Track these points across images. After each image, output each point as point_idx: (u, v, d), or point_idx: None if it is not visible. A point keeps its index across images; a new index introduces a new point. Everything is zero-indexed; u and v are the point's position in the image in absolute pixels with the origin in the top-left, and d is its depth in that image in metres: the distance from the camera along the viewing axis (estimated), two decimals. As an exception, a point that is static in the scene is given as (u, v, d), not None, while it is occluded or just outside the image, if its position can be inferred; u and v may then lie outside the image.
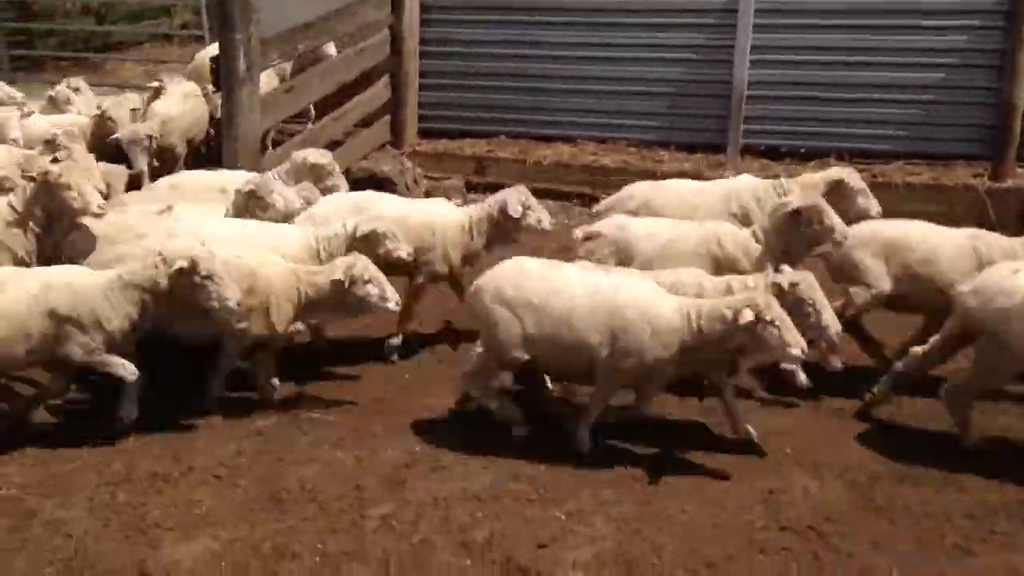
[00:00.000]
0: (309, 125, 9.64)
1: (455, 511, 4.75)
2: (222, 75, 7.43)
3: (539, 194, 7.23)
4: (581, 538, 4.52)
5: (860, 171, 8.85)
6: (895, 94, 9.03)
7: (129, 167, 7.68)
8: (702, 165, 9.25)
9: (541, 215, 6.31)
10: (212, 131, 8.75)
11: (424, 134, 10.33)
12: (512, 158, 9.77)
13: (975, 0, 8.71)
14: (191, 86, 8.75)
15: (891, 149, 9.07)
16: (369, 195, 6.75)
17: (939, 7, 8.82)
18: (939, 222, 5.89)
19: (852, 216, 6.00)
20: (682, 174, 8.19)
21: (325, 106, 9.37)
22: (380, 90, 9.98)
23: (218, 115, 7.98)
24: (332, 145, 9.34)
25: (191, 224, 5.88)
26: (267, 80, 8.38)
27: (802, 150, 9.32)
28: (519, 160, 9.72)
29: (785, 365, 5.30)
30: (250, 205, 6.26)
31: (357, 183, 9.43)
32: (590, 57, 9.82)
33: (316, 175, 6.86)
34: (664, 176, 7.92)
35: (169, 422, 5.46)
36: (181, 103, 8.45)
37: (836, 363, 5.51)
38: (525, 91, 10.09)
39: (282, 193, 6.33)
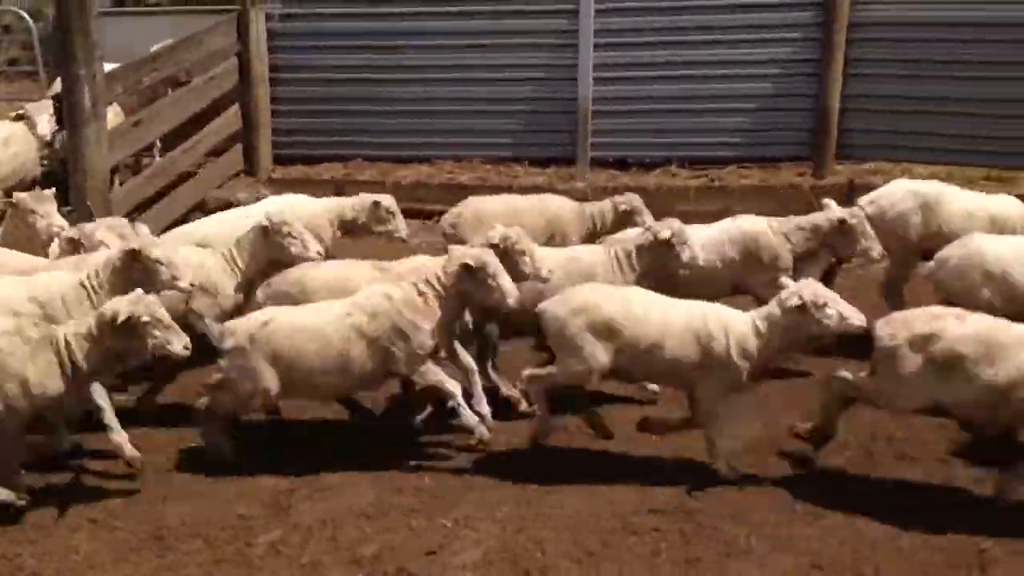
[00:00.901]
0: (156, 158, 9.48)
1: (343, 529, 4.84)
2: (66, 111, 7.27)
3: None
4: (468, 541, 4.70)
5: (697, 176, 9.56)
6: (725, 104, 9.68)
7: None
8: (555, 178, 9.63)
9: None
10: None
11: (279, 161, 10.31)
12: (371, 180, 9.85)
13: (793, 16, 9.46)
14: (12, 128, 8.50)
15: (725, 155, 9.71)
16: None
17: (761, 22, 9.52)
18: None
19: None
20: (536, 188, 8.53)
21: (175, 137, 9.24)
22: (231, 118, 9.91)
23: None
24: (184, 176, 9.26)
25: None
26: (112, 115, 8.22)
27: (646, 160, 9.85)
28: (378, 182, 9.81)
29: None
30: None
31: (212, 213, 9.40)
32: (442, 79, 10.07)
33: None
34: (522, 190, 8.23)
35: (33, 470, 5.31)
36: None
37: None
38: (379, 114, 10.23)
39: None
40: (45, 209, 6.37)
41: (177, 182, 9.05)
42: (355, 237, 7.11)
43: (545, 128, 10.00)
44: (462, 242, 5.93)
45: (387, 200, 6.92)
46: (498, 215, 6.56)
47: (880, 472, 5.20)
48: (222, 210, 9.05)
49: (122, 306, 4.73)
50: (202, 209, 9.36)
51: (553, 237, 6.82)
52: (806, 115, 9.50)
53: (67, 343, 4.73)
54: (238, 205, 9.12)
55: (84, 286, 5.28)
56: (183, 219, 8.89)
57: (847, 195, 9.05)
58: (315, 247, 5.89)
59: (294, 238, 5.82)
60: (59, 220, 6.35)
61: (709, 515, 4.83)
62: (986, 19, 8.81)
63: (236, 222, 6.49)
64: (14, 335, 4.67)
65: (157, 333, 4.75)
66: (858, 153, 9.46)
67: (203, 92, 9.36)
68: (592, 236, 6.82)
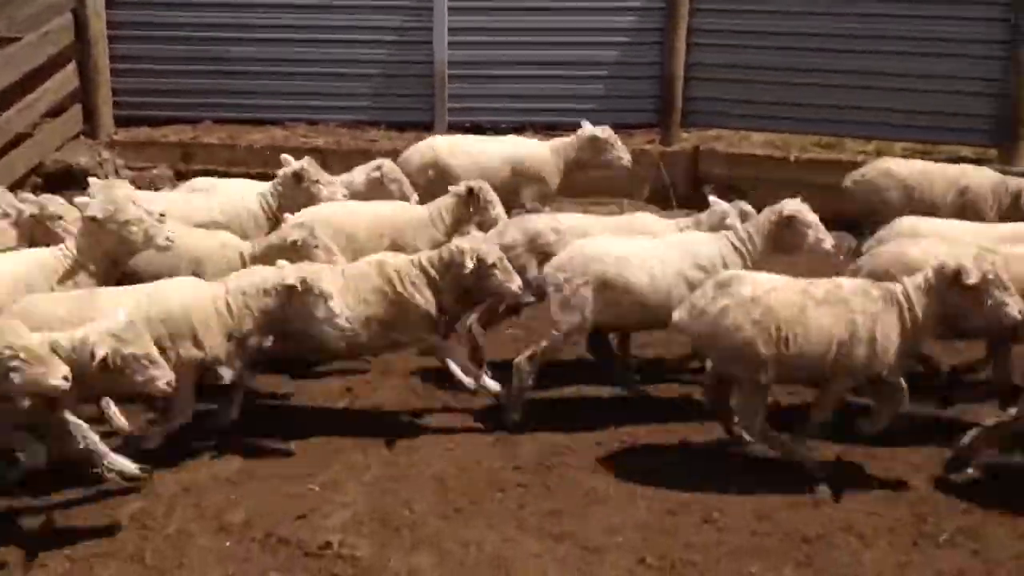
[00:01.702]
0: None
1: (209, 497, 4.81)
2: None
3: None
4: (336, 504, 4.77)
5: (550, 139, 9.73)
6: (577, 70, 9.89)
7: None
8: (415, 141, 9.61)
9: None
10: None
11: (122, 122, 9.86)
12: (221, 143, 9.59)
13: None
14: None
15: (576, 121, 9.93)
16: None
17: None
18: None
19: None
20: (395, 152, 8.51)
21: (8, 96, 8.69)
22: (68, 76, 9.39)
23: None
24: (21, 138, 8.75)
25: None
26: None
27: (502, 125, 9.99)
28: (228, 145, 9.57)
29: None
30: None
31: (52, 177, 8.94)
32: (295, 39, 9.82)
33: None
34: (380, 154, 8.18)
35: None
36: None
37: None
38: (228, 74, 9.90)
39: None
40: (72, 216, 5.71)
41: (14, 144, 8.55)
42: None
43: (402, 92, 9.96)
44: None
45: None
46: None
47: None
48: (63, 174, 8.78)
49: None
50: (39, 173, 8.91)
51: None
52: (652, 83, 9.84)
53: None
54: (79, 168, 8.75)
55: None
56: (21, 182, 8.46)
57: (693, 161, 9.57)
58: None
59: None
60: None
61: (572, 468, 5.08)
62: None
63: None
64: None
65: None
66: (702, 120, 9.89)
67: (38, 48, 8.82)
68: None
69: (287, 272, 4.97)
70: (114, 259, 5.34)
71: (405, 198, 6.88)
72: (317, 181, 6.49)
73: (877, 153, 9.09)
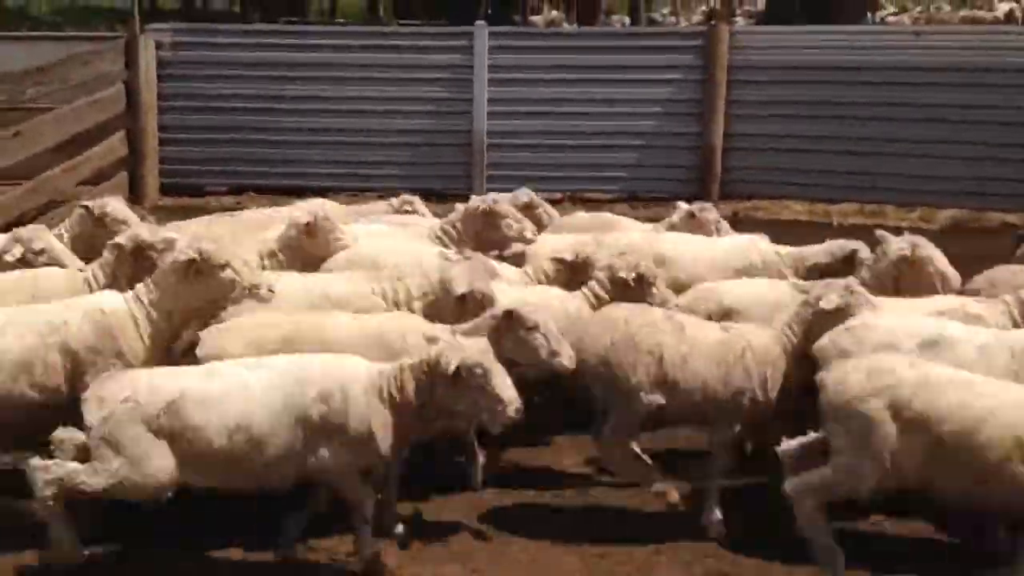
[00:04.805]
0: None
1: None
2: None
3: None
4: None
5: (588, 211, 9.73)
6: (614, 140, 10.01)
7: None
8: (450, 211, 9.66)
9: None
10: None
11: (166, 190, 10.03)
12: (262, 211, 9.71)
13: (675, 58, 9.93)
14: None
15: (615, 189, 10.02)
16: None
17: (644, 64, 9.95)
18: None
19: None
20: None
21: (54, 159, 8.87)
22: (115, 144, 9.61)
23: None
24: (65, 199, 8.88)
25: None
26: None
27: (541, 195, 10.02)
28: (270, 213, 9.67)
29: None
30: None
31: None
32: (337, 110, 10.07)
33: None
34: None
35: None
36: None
37: None
38: (271, 144, 10.13)
39: None
40: (133, 220, 5.58)
41: (57, 203, 8.67)
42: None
43: (441, 161, 10.10)
44: None
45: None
46: None
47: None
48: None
49: None
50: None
51: None
52: (690, 153, 9.91)
53: None
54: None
55: None
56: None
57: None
58: None
59: None
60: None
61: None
62: (855, 63, 9.48)
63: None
64: None
65: None
66: (740, 190, 9.89)
67: (86, 113, 9.06)
68: None
69: None
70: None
71: None
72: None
73: (920, 220, 9.01)
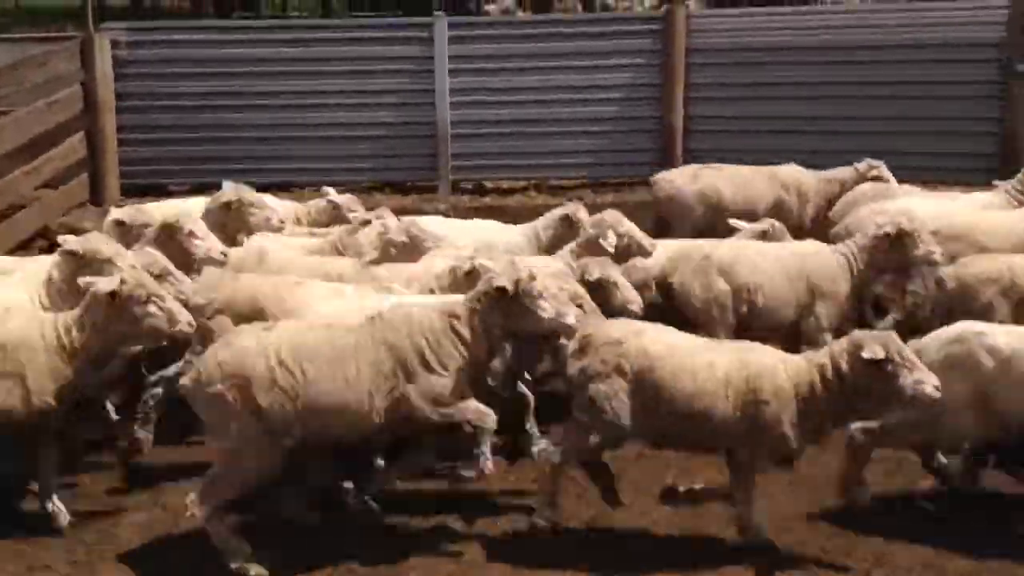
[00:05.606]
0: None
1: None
2: None
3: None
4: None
5: (556, 197, 9.86)
6: (576, 127, 10.08)
7: None
8: (419, 202, 9.72)
9: None
10: None
11: (128, 191, 9.92)
12: (226, 209, 9.65)
13: (634, 43, 10.03)
14: None
15: (577, 176, 10.11)
16: None
17: (603, 49, 10.03)
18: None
19: None
20: (403, 210, 8.54)
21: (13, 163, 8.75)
22: (75, 145, 9.50)
23: None
24: (28, 204, 8.79)
25: None
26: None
27: (503, 184, 10.11)
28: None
29: None
30: None
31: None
32: (299, 104, 10.04)
33: None
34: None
35: None
36: None
37: None
38: (233, 140, 10.06)
39: None
40: (204, 232, 5.72)
41: (18, 207, 8.57)
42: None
43: (405, 152, 10.10)
44: None
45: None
46: None
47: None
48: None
49: None
50: (46, 236, 8.89)
51: None
52: (651, 135, 10.02)
53: None
54: (84, 232, 8.72)
55: None
56: (25, 244, 8.44)
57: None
58: None
59: None
60: (218, 244, 5.73)
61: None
62: (803, 44, 9.66)
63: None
64: None
65: None
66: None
67: (44, 116, 8.95)
68: None
69: None
70: None
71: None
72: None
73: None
